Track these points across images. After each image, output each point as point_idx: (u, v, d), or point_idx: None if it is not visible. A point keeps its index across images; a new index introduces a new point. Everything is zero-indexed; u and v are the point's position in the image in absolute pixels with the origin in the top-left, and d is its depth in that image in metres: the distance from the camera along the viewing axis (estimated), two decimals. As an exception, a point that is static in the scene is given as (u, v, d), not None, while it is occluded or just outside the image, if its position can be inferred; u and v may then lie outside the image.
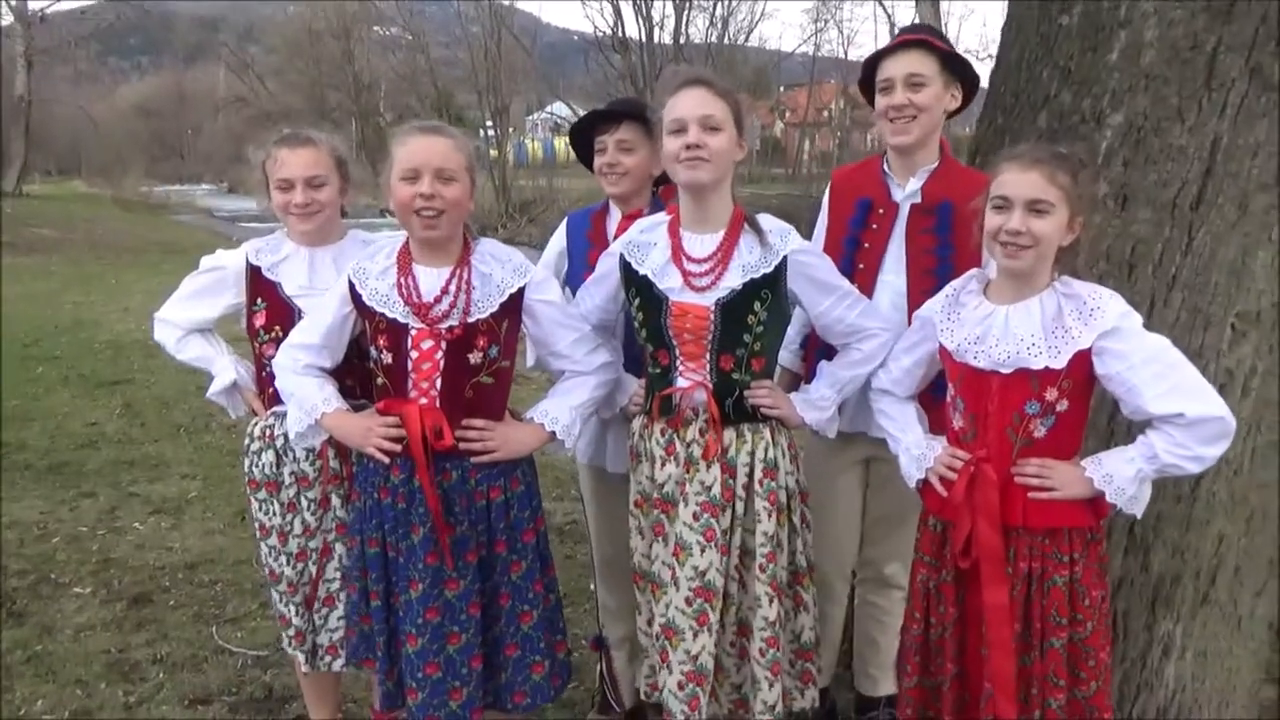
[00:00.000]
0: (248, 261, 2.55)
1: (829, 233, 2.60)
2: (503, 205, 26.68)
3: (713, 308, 2.18)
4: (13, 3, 31.09)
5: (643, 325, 2.28)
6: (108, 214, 27.34)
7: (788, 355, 2.64)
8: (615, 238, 2.50)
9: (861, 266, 2.48)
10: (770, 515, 2.21)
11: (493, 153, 28.71)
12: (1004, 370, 1.97)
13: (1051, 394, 1.94)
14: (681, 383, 2.25)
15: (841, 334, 2.31)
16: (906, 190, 2.50)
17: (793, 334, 2.58)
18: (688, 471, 2.24)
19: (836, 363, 2.36)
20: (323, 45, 39.08)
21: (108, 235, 21.15)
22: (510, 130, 31.67)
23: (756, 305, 2.18)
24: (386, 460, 2.19)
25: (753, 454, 2.25)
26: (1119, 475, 1.95)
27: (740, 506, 2.23)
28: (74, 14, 33.34)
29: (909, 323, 2.30)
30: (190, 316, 2.63)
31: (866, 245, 2.50)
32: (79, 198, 34.60)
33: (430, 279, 2.18)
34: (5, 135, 31.72)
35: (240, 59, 45.05)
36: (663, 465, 2.30)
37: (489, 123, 29.38)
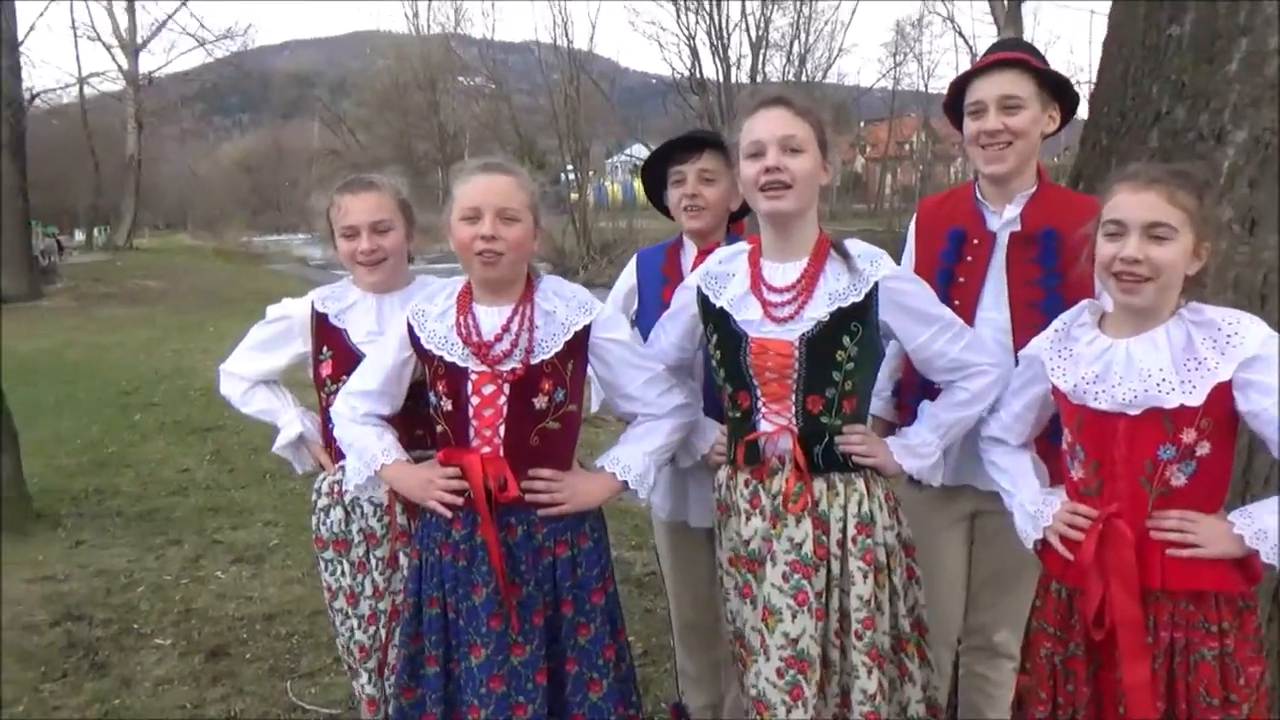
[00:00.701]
0: (314, 309, 2.52)
1: (917, 267, 2.44)
2: (583, 247, 27.03)
3: (796, 343, 2.06)
4: (124, 67, 33.02)
5: (721, 364, 2.17)
6: (210, 265, 28.63)
7: (880, 403, 2.47)
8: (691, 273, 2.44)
9: (957, 302, 2.30)
10: (866, 576, 2.04)
11: (573, 195, 29.11)
12: (1132, 411, 1.79)
13: (1189, 435, 1.76)
14: (765, 427, 2.12)
15: (944, 370, 2.14)
16: (1004, 218, 2.32)
17: (884, 379, 2.41)
18: (774, 526, 2.10)
19: (939, 403, 2.18)
20: (410, 97, 40.52)
21: (209, 285, 22.11)
22: (590, 173, 32.17)
23: (846, 339, 2.05)
24: (448, 514, 2.12)
25: (845, 507, 2.08)
26: (1275, 531, 1.71)
27: (835, 565, 2.06)
28: (179, 76, 35.21)
29: (1016, 361, 2.16)
30: (256, 368, 2.61)
31: (961, 279, 2.33)
32: (184, 250, 36.35)
33: (490, 318, 2.13)
34: (118, 194, 33.58)
35: (333, 113, 46.98)
36: (748, 520, 2.15)
37: (569, 166, 29.87)
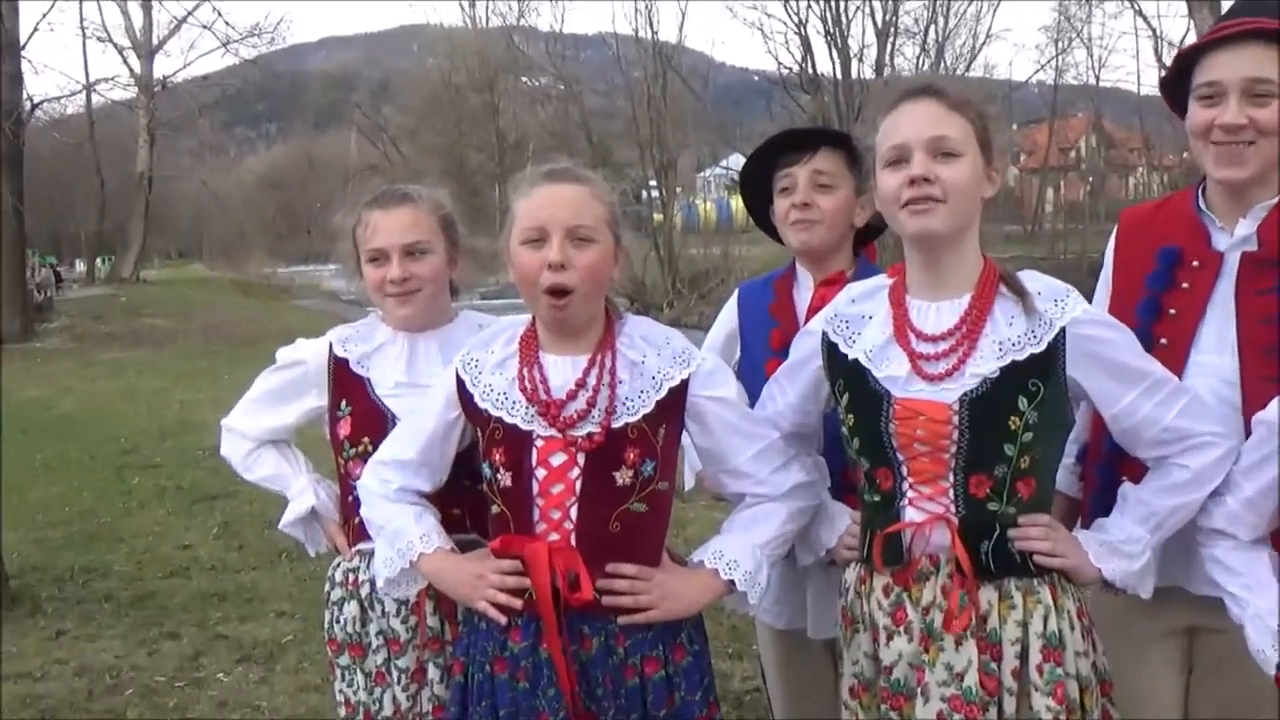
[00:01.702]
0: (332, 353, 2.53)
1: (1115, 295, 2.36)
2: (669, 280, 27.30)
3: (956, 406, 2.00)
4: (137, 71, 34.79)
5: (855, 432, 2.12)
6: (227, 300, 29.77)
7: (1061, 473, 2.35)
8: (809, 313, 2.45)
9: (1164, 341, 2.21)
10: (1057, 718, 1.92)
11: (657, 217, 29.41)
12: None
13: None
14: (913, 516, 2.05)
15: (1154, 443, 2.03)
16: (1236, 235, 2.21)
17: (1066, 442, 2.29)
18: (927, 651, 2.00)
19: (1149, 486, 2.07)
20: (463, 100, 41.73)
21: (225, 324, 22.98)
22: (678, 190, 32.52)
23: (1022, 401, 1.97)
24: (503, 620, 2.09)
25: (1025, 625, 1.96)
26: None
27: (1011, 705, 1.95)
28: (197, 81, 36.92)
29: (1245, 426, 2.05)
30: (261, 424, 2.63)
31: (1172, 312, 2.23)
32: (197, 282, 37.87)
33: (562, 370, 2.13)
34: (124, 217, 35.19)
35: (373, 122, 48.70)
36: (890, 640, 2.06)
37: (652, 182, 30.22)
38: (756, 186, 2.64)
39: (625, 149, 34.09)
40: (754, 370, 2.47)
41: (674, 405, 2.11)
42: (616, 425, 2.07)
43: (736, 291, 2.77)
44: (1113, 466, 2.20)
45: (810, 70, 29.26)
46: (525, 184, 2.14)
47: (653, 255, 27.25)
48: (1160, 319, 2.24)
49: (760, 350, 2.55)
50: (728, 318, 2.73)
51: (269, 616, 5.36)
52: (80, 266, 40.05)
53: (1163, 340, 2.21)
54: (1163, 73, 2.32)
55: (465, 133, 41.53)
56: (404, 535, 2.20)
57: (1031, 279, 2.05)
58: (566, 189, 2.10)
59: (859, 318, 2.14)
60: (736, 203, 35.85)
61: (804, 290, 2.58)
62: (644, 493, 2.08)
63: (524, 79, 41.90)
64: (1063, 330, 1.97)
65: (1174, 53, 2.25)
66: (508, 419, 2.11)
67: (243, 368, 15.16)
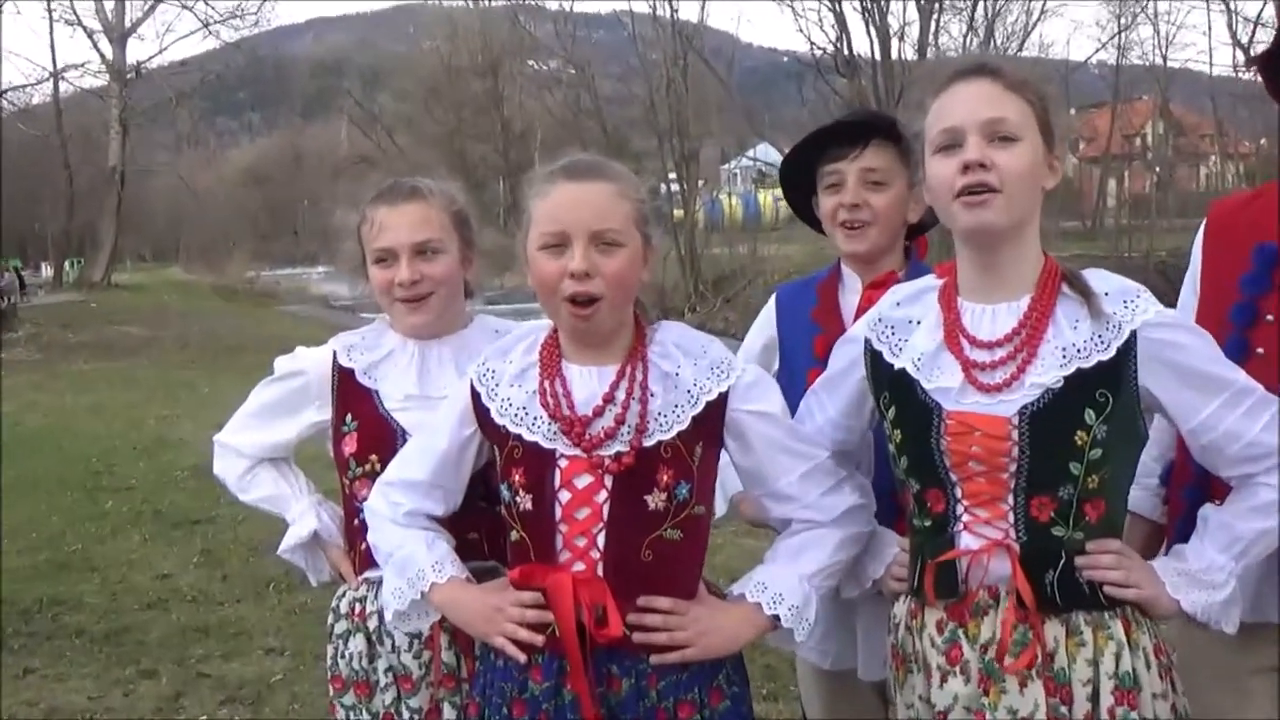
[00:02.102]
0: (335, 363, 2.56)
1: (1205, 298, 2.35)
2: (690, 282, 27.33)
3: (1015, 420, 1.99)
4: (109, 56, 35.05)
5: (902, 451, 2.13)
6: (206, 306, 29.96)
7: (1143, 495, 2.37)
8: (855, 317, 2.44)
9: (1260, 351, 2.19)
10: None
11: (677, 213, 29.42)
12: None
13: None
14: (968, 543, 2.05)
15: (1238, 459, 2.02)
16: None
17: (1149, 460, 2.30)
18: (987, 693, 1.99)
19: (1231, 508, 2.06)
20: (464, 86, 41.92)
21: (204, 332, 23.12)
22: (700, 183, 32.54)
23: (1089, 414, 1.97)
24: (523, 658, 2.10)
25: (1096, 664, 1.96)
26: None
27: None
28: (174, 67, 37.17)
29: None
30: (259, 440, 2.65)
31: (1269, 318, 2.22)
32: (174, 286, 38.12)
33: (587, 382, 2.13)
34: (95, 215, 35.41)
35: (366, 110, 48.98)
36: (944, 681, 2.05)
37: (672, 174, 30.26)
38: (799, 176, 2.66)
39: (642, 139, 34.16)
40: (794, 381, 2.48)
41: (712, 421, 2.11)
42: (648, 444, 2.07)
43: (774, 295, 2.78)
44: (1203, 490, 2.18)
45: (846, 51, 29.17)
46: (543, 182, 2.14)
47: (673, 255, 27.27)
48: (1257, 325, 2.23)
49: (801, 359, 2.56)
50: (765, 324, 2.74)
51: (256, 653, 5.35)
52: (47, 270, 40.40)
53: (1259, 350, 2.20)
54: (1244, 51, 2.33)
55: (466, 122, 41.78)
56: (414, 563, 2.21)
57: (1098, 278, 2.04)
58: (589, 188, 2.10)
59: (905, 323, 2.13)
60: (765, 197, 35.95)
61: (850, 293, 2.60)
62: (678, 518, 2.09)
63: (530, 62, 42.06)
64: (1133, 334, 1.96)
65: (1250, 28, 2.25)
66: (528, 436, 2.12)
67: (224, 380, 15.36)
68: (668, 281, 27.00)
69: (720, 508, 2.62)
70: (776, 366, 2.68)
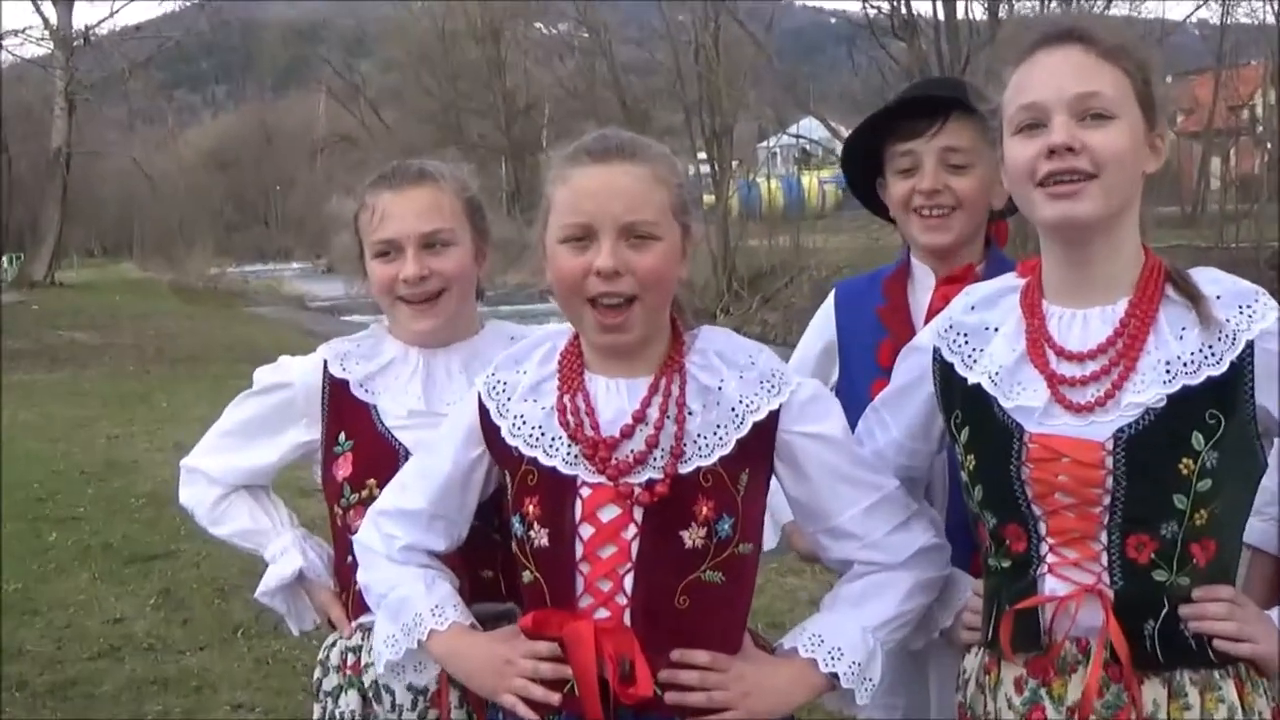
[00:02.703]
0: (326, 374, 2.58)
1: None
2: (723, 279, 27.23)
3: (1109, 445, 1.99)
4: (53, 22, 35.20)
5: (977, 479, 2.13)
6: (164, 308, 30.07)
7: (1265, 528, 2.36)
8: (928, 319, 2.46)
9: None
10: None
11: (707, 199, 29.40)
12: None
13: None
14: (1054, 587, 2.05)
15: None
16: None
17: (1272, 486, 2.28)
18: None
19: None
20: (460, 54, 41.98)
21: (162, 338, 23.20)
22: (734, 165, 32.48)
23: (1197, 439, 1.96)
24: (535, 718, 2.09)
25: None
26: None
27: None
28: (129, 33, 37.28)
29: None
30: (234, 464, 2.68)
31: None
32: (128, 285, 38.31)
33: (615, 398, 2.15)
34: (36, 204, 35.56)
35: (348, 82, 49.14)
36: None
37: (701, 154, 30.24)
38: (862, 155, 2.68)
39: (667, 113, 34.15)
40: (856, 395, 2.49)
41: (760, 444, 2.12)
42: (685, 470, 2.08)
43: (833, 293, 2.79)
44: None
45: (904, 10, 29.07)
46: (564, 164, 2.14)
47: (703, 247, 27.29)
48: None
49: (865, 369, 2.57)
50: (822, 326, 2.76)
51: (222, 710, 5.37)
52: (-19, 267, 40.60)
53: None
54: None
55: (463, 95, 41.85)
56: (411, 607, 2.22)
57: (1208, 278, 2.04)
58: (620, 172, 2.10)
59: (981, 329, 2.14)
60: (809, 180, 35.94)
61: (922, 290, 2.61)
62: (720, 557, 2.09)
63: (537, 25, 42.18)
64: (1249, 345, 1.96)
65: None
66: (544, 460, 2.13)
67: (185, 393, 15.41)
68: (696, 278, 26.98)
69: (770, 540, 2.63)
70: (835, 377, 2.71)
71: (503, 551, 2.28)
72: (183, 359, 19.97)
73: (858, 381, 2.56)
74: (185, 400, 14.26)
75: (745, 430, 2.10)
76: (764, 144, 40.69)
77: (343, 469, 2.52)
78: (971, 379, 2.11)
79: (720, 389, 2.13)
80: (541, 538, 2.12)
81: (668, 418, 2.10)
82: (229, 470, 2.68)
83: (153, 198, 47.30)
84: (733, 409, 2.11)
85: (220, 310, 31.66)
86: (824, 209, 34.79)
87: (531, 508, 2.13)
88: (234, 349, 20.72)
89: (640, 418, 2.10)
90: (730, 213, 29.47)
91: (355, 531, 2.42)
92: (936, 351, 2.18)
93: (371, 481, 2.46)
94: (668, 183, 2.11)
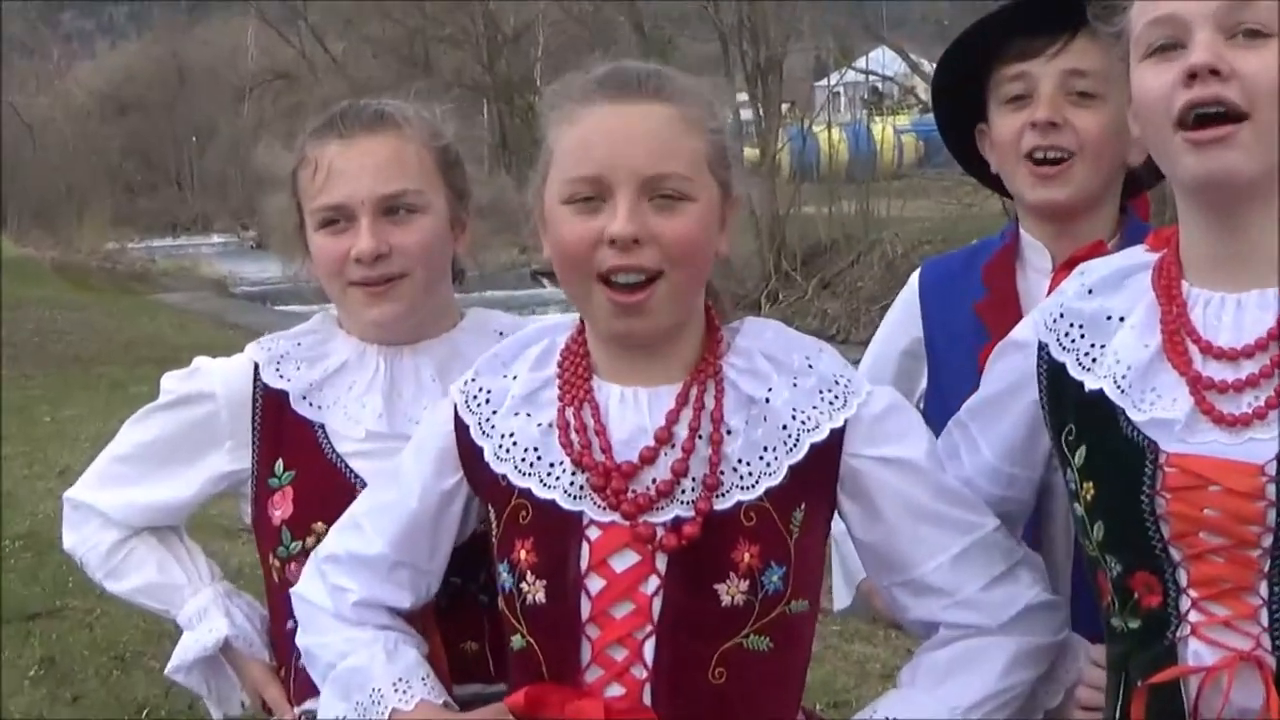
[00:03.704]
0: (259, 382, 2.61)
1: None
2: (770, 256, 27.17)
3: (1271, 469, 1.99)
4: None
5: (1097, 513, 2.13)
6: (46, 294, 30.09)
7: None
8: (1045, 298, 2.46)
9: None
10: None
11: (750, 154, 29.35)
12: None
13: None
14: (1199, 654, 2.04)
15: None
16: None
17: None
18: None
19: None
20: (430, -35, 41.93)
21: (44, 333, 23.20)
22: (785, 109, 32.43)
23: None
24: None
25: None
26: None
27: None
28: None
29: None
30: (136, 499, 2.68)
31: None
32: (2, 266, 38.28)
33: (631, 411, 2.18)
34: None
35: (284, 5, 49.13)
36: None
37: (742, 96, 30.19)
38: (959, 87, 2.70)
39: (697, 43, 34.08)
40: (950, 411, 2.50)
41: (820, 472, 2.14)
42: (723, 506, 2.10)
43: (917, 277, 2.81)
44: None
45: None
46: (570, 102, 2.16)
47: (744, 216, 27.21)
48: None
49: (961, 379, 2.58)
50: (905, 320, 2.80)
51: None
52: None
53: None
54: None
55: (433, 21, 41.78)
56: (367, 680, 2.24)
57: None
58: (642, 112, 2.12)
59: (1102, 319, 2.14)
60: (883, 129, 35.86)
61: (1035, 274, 2.63)
62: (766, 618, 2.10)
63: (528, -71, 42.21)
64: None
65: None
66: (540, 492, 2.14)
67: (73, 404, 15.44)
68: (736, 254, 26.80)
69: (842, 598, 2.70)
70: (922, 386, 2.75)
71: (490, 615, 2.30)
72: (70, 361, 19.99)
73: (951, 394, 2.56)
74: (74, 414, 14.26)
75: (800, 454, 2.12)
76: (823, 82, 40.62)
77: (280, 508, 2.54)
78: (1090, 384, 2.11)
79: (768, 401, 2.14)
80: (537, 592, 2.13)
81: (700, 438, 2.12)
82: (128, 507, 2.68)
83: (32, 152, 47.45)
84: (784, 426, 2.13)
85: (119, 297, 31.71)
86: (900, 165, 34.74)
87: (524, 554, 2.14)
88: (136, 348, 20.77)
89: (665, 438, 2.12)
90: (779, 171, 29.40)
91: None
92: (1043, 348, 2.18)
93: (319, 525, 2.47)
94: (704, 128, 2.13)
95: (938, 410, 2.57)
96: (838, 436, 2.14)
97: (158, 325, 25.19)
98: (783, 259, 27.36)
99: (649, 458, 2.12)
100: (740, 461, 2.11)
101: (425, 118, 2.61)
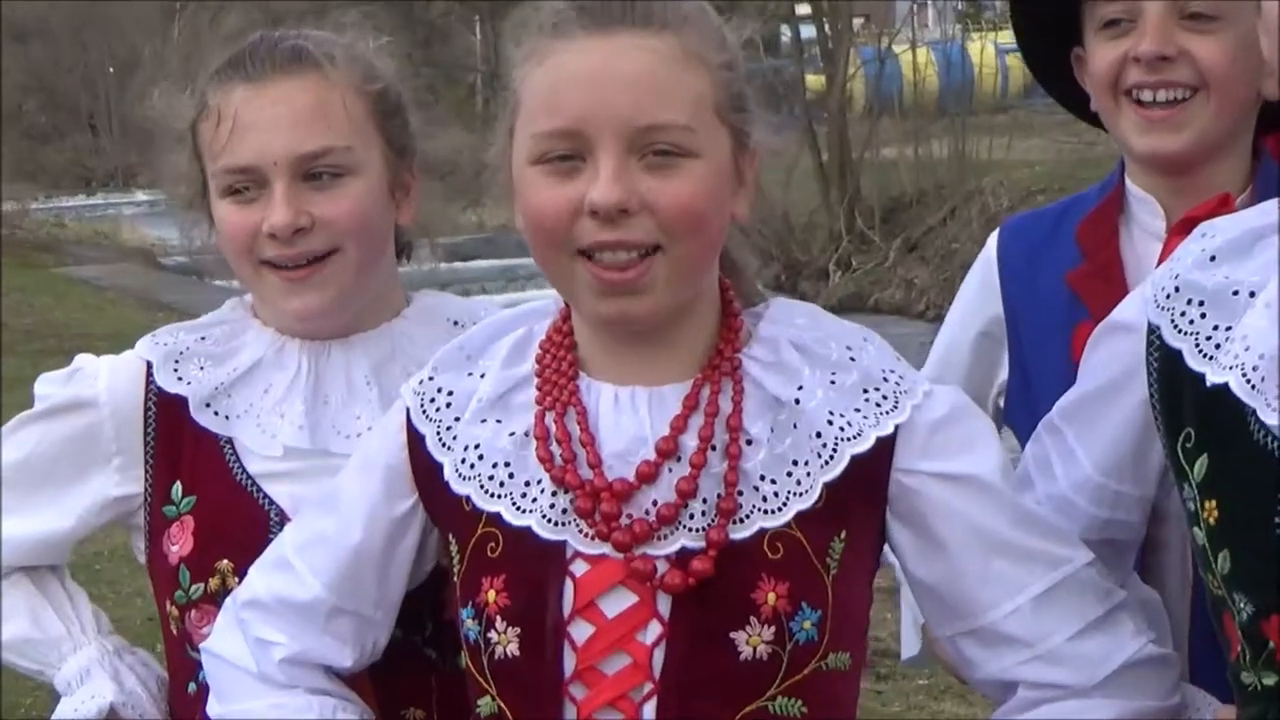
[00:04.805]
0: (151, 385, 2.63)
1: None
2: (841, 212, 27.08)
3: None
4: None
5: (1220, 540, 2.14)
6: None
7: None
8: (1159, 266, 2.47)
9: None
10: None
11: (813, 81, 29.37)
12: None
13: None
14: None
15: None
16: None
17: None
18: None
19: None
20: None
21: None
22: (858, 25, 32.41)
23: None
24: None
25: None
26: None
27: None
28: None
29: None
30: (7, 532, 2.69)
31: None
32: None
33: (627, 417, 2.21)
34: None
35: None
36: None
37: (803, 8, 30.19)
38: (1049, 19, 2.72)
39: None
40: (1039, 409, 2.52)
41: (864, 492, 2.16)
42: (741, 536, 2.12)
43: (995, 240, 2.84)
44: None
45: None
46: (539, 35, 2.17)
47: (806, 160, 27.18)
48: None
49: (1051, 363, 2.63)
50: (981, 298, 2.83)
51: None
52: None
53: None
54: None
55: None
56: None
57: None
58: (627, 45, 2.12)
59: (1228, 293, 2.15)
60: (981, 48, 35.79)
61: (1143, 237, 2.66)
62: (798, 675, 2.12)
63: None
64: None
65: None
66: (512, 518, 2.17)
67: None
68: (798, 209, 26.88)
69: (910, 644, 2.77)
70: (1003, 377, 2.77)
71: (440, 675, 2.37)
72: (-40, 352, 20.09)
73: (1040, 388, 2.60)
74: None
75: (838, 469, 2.14)
76: (907, -5, 40.70)
77: (178, 542, 2.56)
78: (1213, 377, 2.11)
79: (798, 403, 2.16)
80: (509, 643, 2.15)
81: (713, 449, 2.14)
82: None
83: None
84: (818, 435, 2.14)
85: (19, 272, 31.69)
86: (1005, 95, 34.62)
87: (493, 595, 2.16)
88: (40, 335, 20.80)
89: (669, 450, 2.14)
90: (851, 104, 29.36)
91: (202, 640, 2.45)
92: (1154, 331, 2.19)
93: (224, 564, 2.51)
94: (709, 62, 2.14)
95: (1023, 408, 2.60)
96: (886, 447, 2.15)
97: (68, 306, 25.19)
98: (856, 216, 27.20)
99: (649, 475, 2.13)
100: (763, 479, 2.13)
101: (355, 52, 2.62)
